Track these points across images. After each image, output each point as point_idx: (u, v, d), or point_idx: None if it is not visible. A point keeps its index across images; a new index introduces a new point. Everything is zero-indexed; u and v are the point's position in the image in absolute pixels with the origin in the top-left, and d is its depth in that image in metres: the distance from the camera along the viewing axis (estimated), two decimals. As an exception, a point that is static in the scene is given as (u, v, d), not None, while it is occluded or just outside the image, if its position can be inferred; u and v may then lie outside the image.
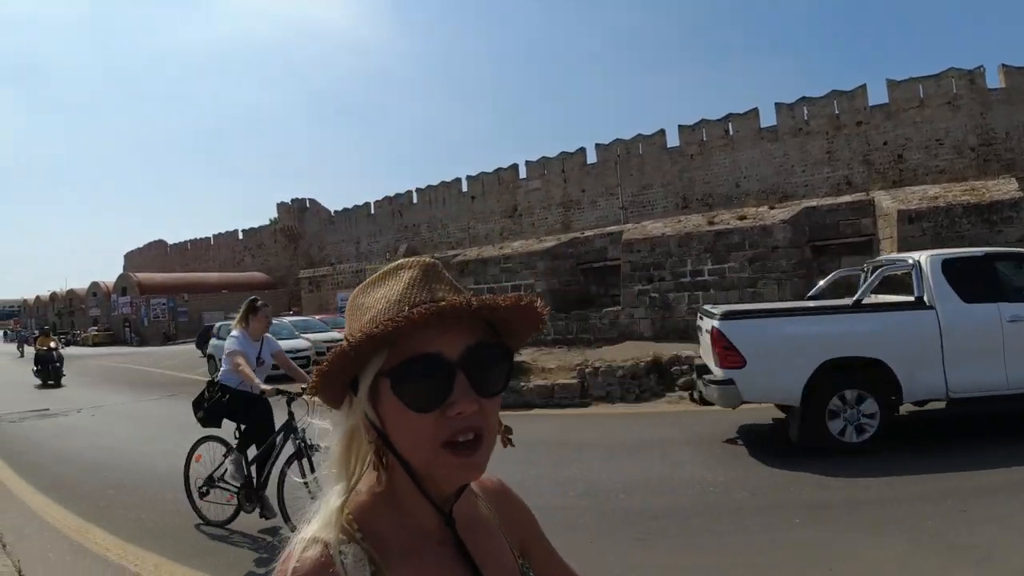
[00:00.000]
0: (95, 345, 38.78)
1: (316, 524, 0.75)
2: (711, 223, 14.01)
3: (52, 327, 41.98)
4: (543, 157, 33.53)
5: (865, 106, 25.19)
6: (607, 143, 31.62)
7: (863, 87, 25.32)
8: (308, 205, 45.11)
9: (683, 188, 29.10)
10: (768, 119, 27.21)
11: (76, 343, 41.81)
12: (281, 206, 45.85)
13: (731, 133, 28.08)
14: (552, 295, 16.05)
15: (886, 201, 12.94)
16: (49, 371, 17.58)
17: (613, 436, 8.34)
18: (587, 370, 10.78)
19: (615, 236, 15.27)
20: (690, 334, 13.85)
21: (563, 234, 19.52)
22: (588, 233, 16.66)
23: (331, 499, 0.76)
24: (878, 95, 25.30)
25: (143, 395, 15.32)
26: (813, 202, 14.07)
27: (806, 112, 26.37)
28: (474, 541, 0.80)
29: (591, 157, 32.05)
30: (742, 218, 13.84)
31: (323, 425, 0.83)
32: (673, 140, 29.68)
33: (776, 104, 26.91)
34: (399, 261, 0.81)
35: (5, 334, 64.88)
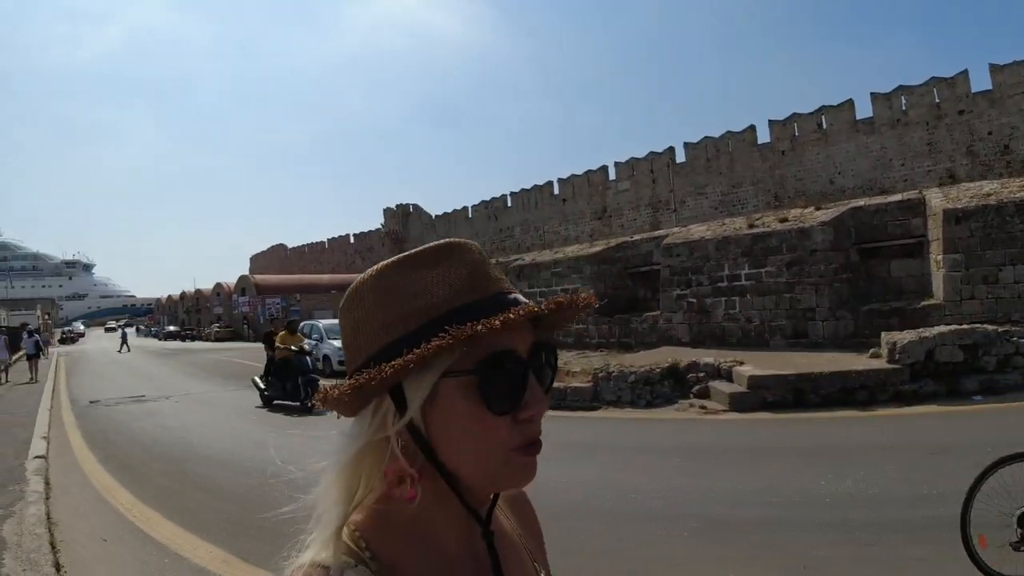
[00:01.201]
0: (216, 341, 42.75)
1: (314, 548, 0.67)
2: (751, 226, 13.76)
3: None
4: (632, 158, 33.45)
5: (967, 93, 23.23)
6: (696, 141, 31.22)
7: (964, 73, 23.38)
8: (412, 210, 47.41)
9: (774, 186, 28.10)
10: (864, 111, 25.74)
11: (199, 338, 46.93)
12: (387, 211, 48.49)
13: (824, 126, 26.74)
14: (598, 299, 16.11)
15: (935, 200, 12.20)
16: (297, 387, 11.74)
17: (592, 438, 8.67)
18: (600, 375, 11.23)
19: (660, 240, 15.37)
20: (727, 340, 13.99)
21: (611, 239, 19.76)
22: (636, 237, 16.77)
23: (331, 519, 0.68)
24: (981, 81, 23.35)
25: (227, 385, 17.12)
26: (860, 202, 13.40)
27: (904, 102, 24.64)
28: (505, 561, 0.73)
29: (680, 156, 31.74)
30: (783, 220, 13.48)
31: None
32: (764, 136, 28.73)
33: (872, 94, 25.36)
34: (446, 240, 0.71)
35: (138, 329, 73.32)
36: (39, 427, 10.98)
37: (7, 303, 66.76)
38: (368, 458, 0.68)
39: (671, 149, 31.98)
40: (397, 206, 47.96)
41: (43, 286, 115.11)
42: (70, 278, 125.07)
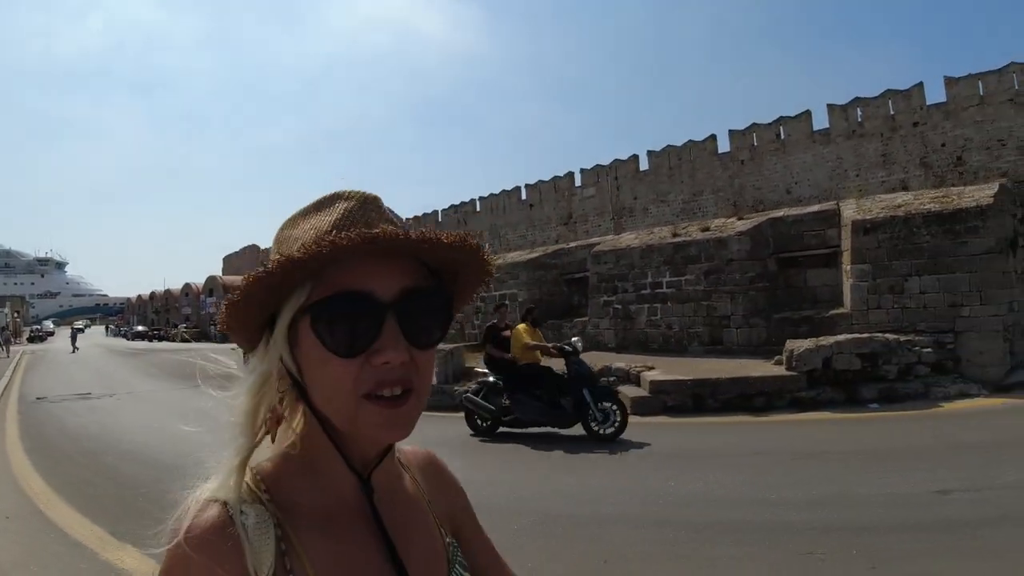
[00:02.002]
0: (183, 341, 43.49)
1: (213, 483, 0.69)
2: (675, 235, 14.28)
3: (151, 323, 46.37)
4: (597, 164, 33.82)
5: (922, 105, 23.84)
6: (659, 150, 31.87)
7: (919, 85, 23.93)
8: (383, 213, 48.40)
9: (734, 195, 28.80)
10: (821, 122, 26.56)
11: (166, 339, 47.57)
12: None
13: (782, 137, 27.61)
14: (532, 302, 17.04)
15: (848, 210, 12.72)
16: (576, 405, 8.45)
17: (487, 437, 9.17)
18: (510, 378, 11.89)
19: (593, 247, 16.18)
20: (649, 346, 14.51)
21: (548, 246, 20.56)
22: (571, 244, 17.62)
23: (231, 455, 0.70)
24: (936, 94, 24.00)
25: (175, 385, 17.60)
26: (779, 212, 14.20)
27: (860, 113, 25.28)
28: (395, 514, 0.75)
29: (643, 164, 32.50)
30: (705, 229, 13.99)
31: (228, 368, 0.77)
32: (724, 146, 29.44)
33: (828, 105, 25.85)
34: (336, 191, 0.74)
35: (107, 329, 73.82)
36: (-30, 417, 11.79)
37: None
38: (270, 393, 0.71)
39: (635, 157, 32.41)
40: (367, 209, 48.45)
41: (15, 283, 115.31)
42: (42, 276, 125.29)
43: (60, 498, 6.81)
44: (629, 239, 15.65)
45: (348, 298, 0.65)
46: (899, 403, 9.82)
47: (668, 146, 31.41)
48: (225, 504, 0.66)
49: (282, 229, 0.74)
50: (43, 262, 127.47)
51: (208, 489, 0.69)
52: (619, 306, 14.95)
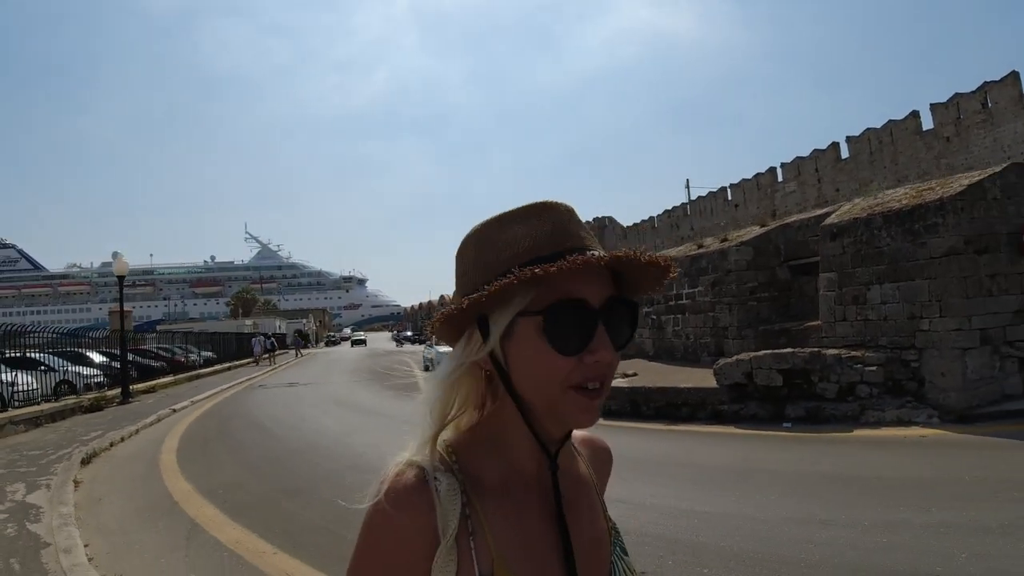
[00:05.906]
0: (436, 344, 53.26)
1: (411, 450, 0.86)
2: (699, 247, 15.76)
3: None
4: (797, 157, 33.36)
5: None
6: (858, 135, 30.50)
7: None
8: (607, 223, 52.02)
9: (941, 178, 27.18)
10: (1032, 83, 23.80)
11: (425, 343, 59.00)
12: (586, 224, 55.02)
13: (989, 105, 25.47)
14: None
15: (835, 213, 12.53)
16: None
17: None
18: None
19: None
20: (674, 354, 16.44)
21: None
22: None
23: (427, 427, 0.86)
24: None
25: (350, 378, 23.06)
26: (792, 218, 15.20)
27: (1075, 69, 22.64)
28: (567, 492, 0.88)
29: (844, 152, 31.52)
30: (724, 240, 14.99)
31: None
32: (928, 123, 27.44)
33: None
34: (544, 200, 0.87)
35: (391, 333, 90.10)
36: (198, 396, 17.81)
37: (288, 313, 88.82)
38: (464, 380, 0.87)
39: (835, 144, 31.34)
40: (594, 219, 52.69)
41: (324, 298, 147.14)
42: (347, 291, 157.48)
43: (177, 438, 11.55)
44: (681, 251, 17.84)
45: (571, 305, 0.79)
46: (822, 424, 9.91)
47: (868, 129, 30.52)
48: (422, 468, 0.82)
49: (486, 229, 0.87)
50: (347, 279, 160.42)
51: (406, 455, 0.86)
52: (654, 316, 16.57)
